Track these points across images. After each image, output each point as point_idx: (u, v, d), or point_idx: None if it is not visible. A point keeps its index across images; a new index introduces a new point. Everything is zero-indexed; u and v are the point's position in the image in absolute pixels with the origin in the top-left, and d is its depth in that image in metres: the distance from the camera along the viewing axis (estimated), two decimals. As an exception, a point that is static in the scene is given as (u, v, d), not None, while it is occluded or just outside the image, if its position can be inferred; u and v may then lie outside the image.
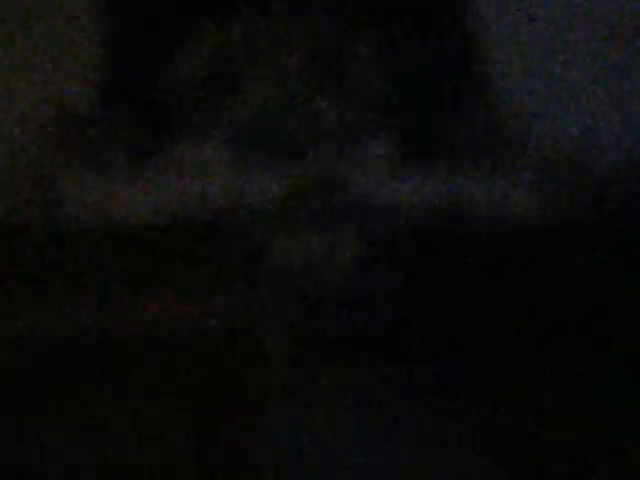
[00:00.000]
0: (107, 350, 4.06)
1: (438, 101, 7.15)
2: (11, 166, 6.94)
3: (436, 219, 6.53)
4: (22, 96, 7.12)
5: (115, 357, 4.12)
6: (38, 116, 7.05)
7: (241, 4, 7.09)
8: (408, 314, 6.25)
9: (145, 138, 6.95)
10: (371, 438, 5.23)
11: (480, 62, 7.27)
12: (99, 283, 4.56)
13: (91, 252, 4.84)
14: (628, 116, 7.24)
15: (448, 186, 6.75)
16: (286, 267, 6.18)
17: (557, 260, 5.21)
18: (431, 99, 7.15)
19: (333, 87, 7.10)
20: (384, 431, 5.27)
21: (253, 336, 4.32)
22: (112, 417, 4.24)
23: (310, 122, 7.04)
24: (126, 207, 6.53)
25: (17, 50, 7.10)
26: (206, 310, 4.31)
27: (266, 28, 7.10)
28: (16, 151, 7.06)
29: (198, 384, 4.17)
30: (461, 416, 5.28)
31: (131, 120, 6.96)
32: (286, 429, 4.88)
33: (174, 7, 7.04)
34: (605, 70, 7.34)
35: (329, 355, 6.07)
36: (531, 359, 5.14)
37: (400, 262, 6.41)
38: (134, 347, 4.00)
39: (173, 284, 4.58)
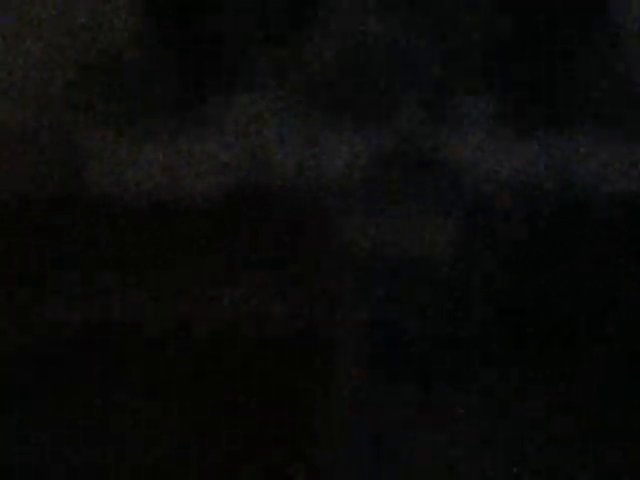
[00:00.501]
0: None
1: (552, 57, 6.40)
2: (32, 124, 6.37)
3: (546, 194, 6.05)
4: (46, 48, 6.47)
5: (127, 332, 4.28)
6: (70, 62, 6.37)
7: None
8: (512, 308, 5.83)
9: (195, 91, 6.37)
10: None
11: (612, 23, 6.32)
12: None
13: (105, 223, 4.86)
14: None
15: (558, 154, 6.25)
16: (362, 250, 5.61)
17: None
18: (545, 56, 6.40)
19: (425, 26, 6.39)
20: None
21: (316, 334, 4.17)
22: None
23: (395, 74, 6.28)
24: (169, 169, 6.09)
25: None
26: (263, 294, 4.22)
27: None
28: (34, 110, 6.47)
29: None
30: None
31: (180, 70, 6.40)
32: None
33: None
34: None
35: (409, 361, 5.55)
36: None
37: (497, 239, 6.03)
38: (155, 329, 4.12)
39: (212, 268, 4.53)
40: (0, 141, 6.15)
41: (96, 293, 4.44)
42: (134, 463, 4.31)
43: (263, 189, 5.94)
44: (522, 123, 6.36)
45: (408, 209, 5.94)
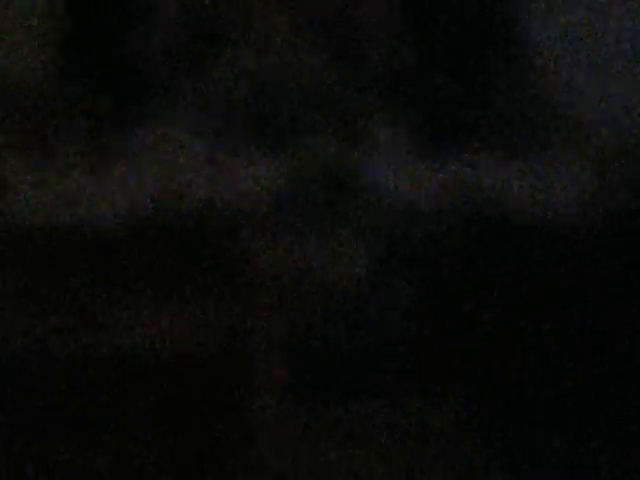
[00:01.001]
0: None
1: (464, 86, 6.83)
2: None
3: (457, 213, 6.35)
4: None
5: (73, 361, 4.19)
6: None
7: None
8: (425, 328, 6.01)
9: (116, 122, 6.50)
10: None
11: (515, 36, 6.82)
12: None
13: (41, 245, 4.93)
14: None
15: (480, 178, 6.55)
16: (281, 272, 5.77)
17: (595, 251, 5.35)
18: (457, 85, 6.79)
19: (346, 66, 6.68)
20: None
21: (239, 356, 4.30)
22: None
23: (312, 101, 6.61)
24: (91, 200, 6.15)
25: None
26: (184, 325, 4.23)
27: None
28: None
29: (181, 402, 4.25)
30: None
31: (100, 101, 6.52)
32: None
33: None
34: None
35: (332, 383, 5.71)
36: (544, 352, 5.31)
37: (410, 261, 6.27)
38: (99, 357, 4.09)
39: (146, 293, 4.54)
40: None
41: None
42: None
43: (178, 213, 6.11)
44: (433, 147, 6.63)
45: (322, 231, 6.15)
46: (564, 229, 5.61)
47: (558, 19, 6.86)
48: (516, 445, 5.32)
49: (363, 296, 6.13)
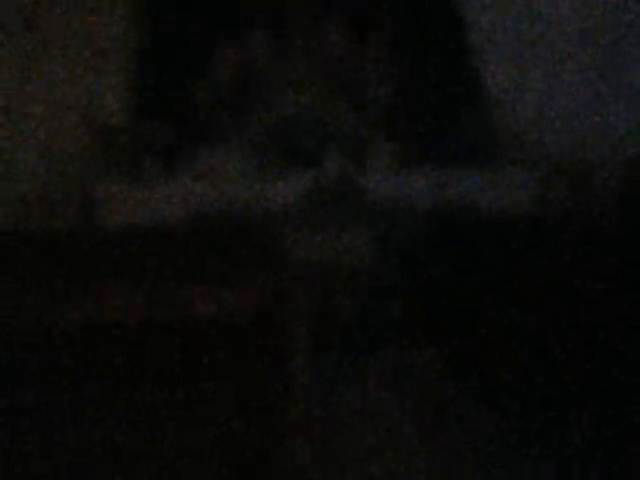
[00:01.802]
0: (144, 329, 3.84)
1: (439, 109, 7.29)
2: (58, 174, 7.19)
3: (435, 213, 6.69)
4: (66, 113, 7.30)
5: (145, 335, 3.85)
6: (81, 132, 7.24)
7: (259, 23, 7.27)
8: (412, 302, 6.34)
9: (175, 147, 7.10)
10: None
11: (476, 77, 7.43)
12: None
13: (125, 245, 4.63)
14: (612, 119, 7.49)
15: (446, 185, 6.90)
16: (304, 257, 6.23)
17: (548, 247, 5.02)
18: (432, 108, 7.29)
19: (341, 99, 7.27)
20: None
21: (279, 318, 3.96)
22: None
23: (319, 130, 7.17)
24: (158, 207, 6.67)
25: (59, 68, 7.34)
26: (237, 296, 4.04)
27: (282, 48, 7.29)
28: (60, 163, 7.26)
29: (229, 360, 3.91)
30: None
31: (163, 131, 7.10)
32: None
33: (197, 32, 7.23)
34: (588, 77, 7.55)
35: (347, 334, 6.24)
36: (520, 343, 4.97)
37: (400, 251, 6.57)
38: (173, 329, 3.80)
39: (202, 277, 4.36)
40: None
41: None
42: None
43: (230, 215, 6.60)
44: (413, 163, 7.04)
45: (334, 226, 6.57)
46: (513, 227, 5.60)
47: (521, 66, 7.50)
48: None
49: (366, 271, 6.51)
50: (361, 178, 6.88)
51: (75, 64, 7.35)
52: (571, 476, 3.88)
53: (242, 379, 3.73)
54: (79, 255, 4.54)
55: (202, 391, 3.71)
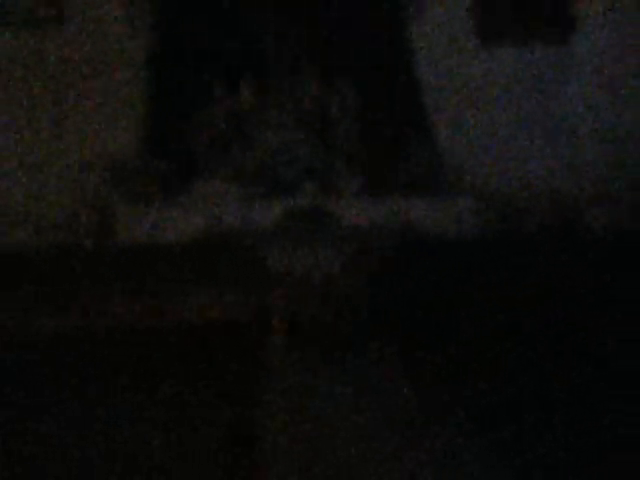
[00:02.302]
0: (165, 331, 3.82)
1: (395, 149, 7.59)
2: (78, 199, 7.48)
3: (391, 234, 6.96)
4: (84, 149, 7.65)
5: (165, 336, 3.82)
6: (97, 164, 7.57)
7: (247, 75, 7.57)
8: (374, 307, 6.37)
9: (175, 178, 7.40)
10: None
11: (427, 121, 7.76)
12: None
13: (136, 259, 4.87)
14: (544, 156, 7.81)
15: (402, 212, 7.18)
16: (282, 271, 6.45)
17: (487, 264, 5.09)
18: (390, 148, 7.61)
19: (314, 140, 7.57)
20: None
21: (261, 320, 3.96)
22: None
23: (300, 165, 7.45)
24: (162, 229, 6.99)
25: (82, 114, 7.69)
26: (225, 302, 3.99)
27: (265, 98, 7.58)
28: (77, 192, 7.58)
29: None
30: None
31: (166, 165, 7.42)
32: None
33: (194, 82, 7.53)
34: (523, 120, 7.90)
35: (318, 332, 6.24)
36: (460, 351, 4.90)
37: (364, 268, 6.66)
38: (178, 331, 3.79)
39: (199, 286, 4.30)
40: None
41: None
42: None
43: (219, 234, 6.94)
44: (373, 192, 7.33)
45: (307, 244, 6.77)
46: (453, 244, 5.85)
47: (463, 116, 7.84)
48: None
49: (333, 281, 6.65)
50: (329, 205, 7.11)
51: (95, 112, 7.58)
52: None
53: (227, 375, 3.68)
54: (98, 264, 4.67)
55: (199, 381, 3.62)
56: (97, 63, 7.64)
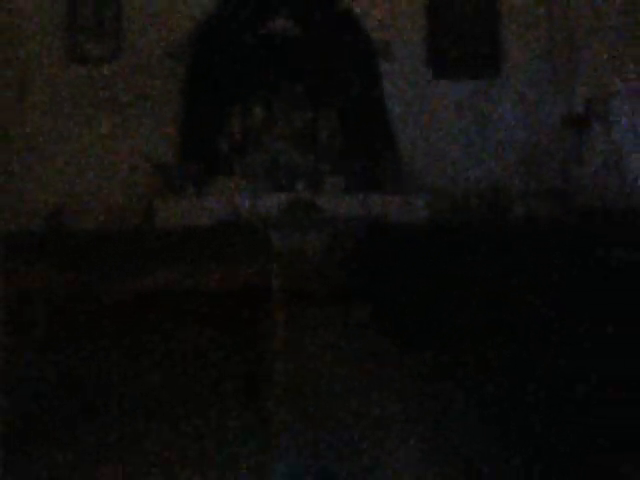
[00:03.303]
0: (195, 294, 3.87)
1: (367, 158, 7.80)
2: (130, 193, 7.62)
3: (365, 222, 7.07)
4: (135, 154, 7.83)
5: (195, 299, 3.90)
6: (143, 165, 7.75)
7: (258, 102, 7.82)
8: (349, 275, 6.79)
9: (203, 175, 7.59)
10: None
11: (392, 135, 7.98)
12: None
13: (173, 238, 4.86)
14: (481, 162, 8.04)
15: (372, 204, 7.40)
16: (283, 247, 6.67)
17: (441, 248, 4.94)
18: (364, 157, 7.80)
19: (308, 149, 7.82)
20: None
21: (266, 284, 3.94)
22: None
23: (294, 168, 7.70)
24: (192, 215, 7.22)
25: (129, 125, 7.84)
26: (240, 273, 4.00)
27: (270, 117, 7.80)
28: (129, 186, 7.73)
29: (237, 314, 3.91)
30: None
31: (196, 166, 7.61)
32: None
33: (219, 104, 7.73)
34: (465, 134, 8.07)
35: (310, 295, 6.55)
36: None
37: (342, 246, 7.02)
38: (209, 297, 3.82)
39: (221, 258, 4.28)
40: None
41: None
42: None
43: (235, 219, 7.14)
44: (351, 190, 7.52)
45: (300, 229, 7.02)
46: (413, 233, 5.82)
47: (420, 133, 7.98)
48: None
49: (319, 257, 6.90)
50: (317, 199, 7.26)
51: (141, 126, 7.80)
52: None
53: (242, 327, 3.78)
54: (143, 244, 4.61)
55: (219, 331, 3.74)
56: (144, 90, 7.82)
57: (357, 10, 7.86)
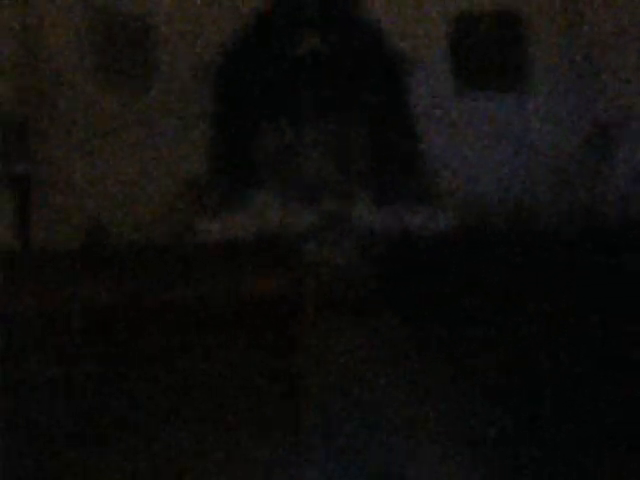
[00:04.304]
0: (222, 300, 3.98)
1: (396, 171, 7.89)
2: (164, 208, 7.67)
3: (393, 235, 7.14)
4: (167, 169, 7.93)
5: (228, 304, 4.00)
6: (175, 181, 7.87)
7: (288, 119, 7.92)
8: (381, 286, 6.80)
9: (235, 191, 7.74)
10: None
11: (420, 149, 8.02)
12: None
13: (211, 255, 4.89)
14: (507, 174, 8.02)
15: (401, 217, 7.43)
16: (314, 259, 6.76)
17: (467, 258, 5.02)
18: (392, 170, 7.87)
19: (337, 164, 7.94)
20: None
21: (299, 294, 4.01)
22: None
23: (324, 183, 7.81)
24: (226, 229, 7.30)
25: (168, 148, 7.96)
26: (273, 281, 4.08)
27: (300, 135, 7.91)
28: (164, 202, 7.77)
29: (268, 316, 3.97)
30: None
31: (229, 181, 7.76)
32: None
33: (251, 122, 7.86)
34: (490, 147, 8.13)
35: (342, 304, 6.62)
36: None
37: (374, 256, 7.05)
38: (241, 301, 3.90)
39: (255, 271, 4.34)
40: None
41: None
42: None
43: (267, 233, 7.17)
44: (381, 203, 7.65)
45: (332, 241, 7.16)
46: (442, 242, 5.90)
47: (447, 150, 8.00)
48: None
49: (352, 269, 6.96)
50: (347, 211, 7.38)
51: (176, 145, 7.88)
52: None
53: (277, 330, 3.87)
54: (181, 256, 4.72)
55: (255, 336, 3.81)
56: (178, 108, 7.94)
57: (384, 26, 7.92)
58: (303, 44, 7.76)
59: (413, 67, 7.96)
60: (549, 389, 3.27)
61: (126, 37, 7.84)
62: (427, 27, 8.07)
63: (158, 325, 3.78)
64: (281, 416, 3.74)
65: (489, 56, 8.12)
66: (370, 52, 7.84)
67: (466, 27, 8.13)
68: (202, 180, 7.72)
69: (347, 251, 7.03)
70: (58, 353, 3.72)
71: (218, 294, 3.88)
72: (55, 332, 3.69)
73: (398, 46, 7.95)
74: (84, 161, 7.78)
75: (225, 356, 3.81)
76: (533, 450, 3.20)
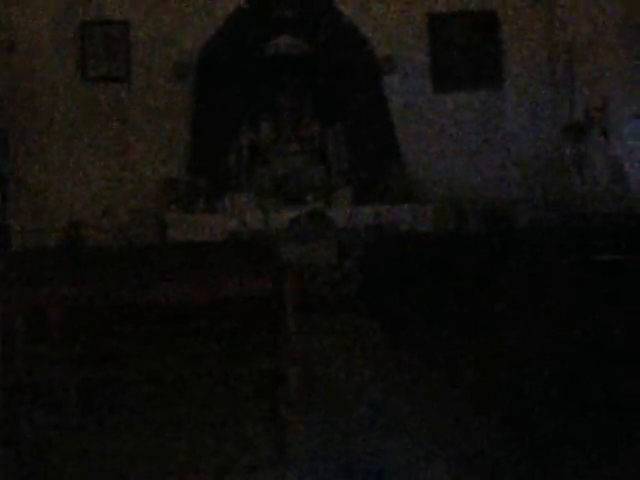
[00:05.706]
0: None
1: (374, 170, 7.83)
2: (141, 208, 7.65)
3: (374, 232, 7.15)
4: (145, 171, 7.85)
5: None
6: (155, 182, 7.78)
7: (265, 118, 7.84)
8: (360, 285, 6.81)
9: (214, 191, 7.59)
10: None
11: (399, 147, 7.99)
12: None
13: (185, 252, 4.97)
14: (482, 173, 8.04)
15: (381, 215, 7.41)
16: (293, 259, 6.71)
17: (447, 256, 4.91)
18: (372, 169, 7.83)
19: (317, 163, 7.83)
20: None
21: (278, 295, 3.81)
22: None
23: (305, 182, 7.68)
24: (205, 229, 7.22)
25: (144, 146, 7.87)
26: (250, 283, 3.86)
27: (279, 134, 7.82)
28: (142, 201, 7.73)
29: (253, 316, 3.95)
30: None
31: (207, 181, 7.63)
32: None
33: (228, 123, 7.72)
34: (466, 146, 8.09)
35: (321, 304, 6.63)
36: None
37: (355, 255, 7.06)
38: (218, 304, 3.82)
39: (232, 271, 4.15)
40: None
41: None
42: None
43: (245, 233, 7.12)
44: (360, 201, 7.52)
45: (310, 240, 7.09)
46: (419, 240, 5.85)
47: (426, 148, 8.00)
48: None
49: (330, 267, 7.00)
50: (327, 211, 7.27)
51: (153, 144, 7.82)
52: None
53: (256, 330, 3.82)
54: (155, 257, 4.74)
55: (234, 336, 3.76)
56: (153, 108, 7.88)
57: (360, 25, 7.87)
58: (281, 44, 7.66)
59: (391, 66, 7.93)
60: (527, 387, 3.28)
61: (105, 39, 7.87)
62: (405, 26, 8.04)
63: (135, 326, 3.73)
64: (262, 424, 3.76)
65: (466, 54, 8.13)
66: (348, 51, 7.80)
67: (444, 26, 8.13)
68: (180, 180, 7.63)
69: (326, 252, 7.01)
70: (36, 355, 3.63)
71: (196, 294, 3.77)
72: (31, 331, 3.59)
73: (376, 45, 7.91)
74: (62, 160, 7.73)
75: (203, 357, 3.75)
76: (513, 448, 3.22)
